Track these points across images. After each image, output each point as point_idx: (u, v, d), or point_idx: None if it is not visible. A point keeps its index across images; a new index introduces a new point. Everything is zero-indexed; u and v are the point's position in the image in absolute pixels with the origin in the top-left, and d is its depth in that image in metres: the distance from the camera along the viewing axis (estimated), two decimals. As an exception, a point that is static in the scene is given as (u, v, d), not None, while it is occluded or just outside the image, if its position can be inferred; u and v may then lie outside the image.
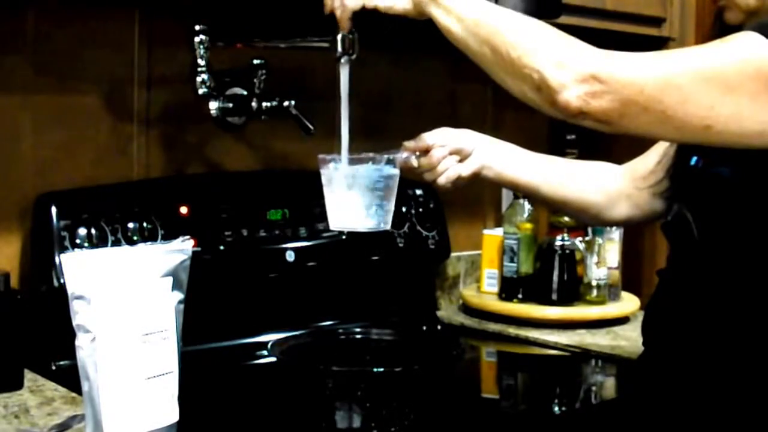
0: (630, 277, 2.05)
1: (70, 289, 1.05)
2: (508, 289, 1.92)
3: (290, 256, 1.68)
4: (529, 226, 1.90)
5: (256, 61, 1.66)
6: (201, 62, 1.59)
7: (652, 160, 1.45)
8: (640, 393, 1.34)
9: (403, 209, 1.83)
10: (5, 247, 1.51)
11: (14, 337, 1.32)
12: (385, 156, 1.32)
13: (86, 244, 1.46)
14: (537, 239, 1.92)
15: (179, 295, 1.12)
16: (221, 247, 1.60)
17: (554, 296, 1.90)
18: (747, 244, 1.22)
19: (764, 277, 1.20)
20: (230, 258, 1.62)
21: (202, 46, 1.59)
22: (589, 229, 1.91)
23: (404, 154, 1.38)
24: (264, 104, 1.64)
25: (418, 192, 1.87)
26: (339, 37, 1.33)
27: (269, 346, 1.51)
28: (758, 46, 1.08)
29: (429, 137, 1.42)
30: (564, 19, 1.67)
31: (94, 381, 1.05)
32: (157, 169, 1.66)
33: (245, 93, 1.67)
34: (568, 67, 1.10)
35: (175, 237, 1.15)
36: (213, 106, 1.67)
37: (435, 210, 1.89)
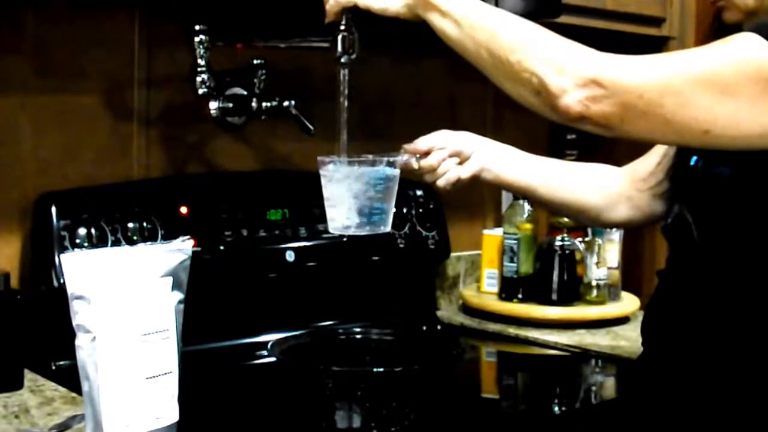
0: (630, 277, 2.05)
1: (70, 289, 1.05)
2: (508, 289, 1.92)
3: (290, 256, 1.68)
4: (528, 226, 1.90)
5: (256, 61, 1.66)
6: (201, 62, 1.59)
7: (653, 161, 1.45)
8: (639, 393, 1.34)
9: (404, 210, 1.83)
10: (5, 247, 1.51)
11: (14, 337, 1.32)
12: (385, 158, 1.32)
13: (86, 244, 1.46)
14: (537, 239, 1.92)
15: (179, 295, 1.12)
16: (221, 247, 1.60)
17: (554, 296, 1.90)
18: (747, 244, 1.22)
19: (764, 278, 1.20)
20: (230, 258, 1.62)
21: (202, 46, 1.59)
22: (589, 230, 1.91)
23: (404, 157, 1.38)
24: (264, 104, 1.64)
25: (419, 192, 1.87)
26: (339, 37, 1.32)
27: (269, 346, 1.51)
28: (757, 47, 1.08)
29: (428, 139, 1.42)
30: (564, 19, 1.67)
31: (94, 381, 1.05)
32: (157, 169, 1.66)
33: (245, 93, 1.67)
34: (568, 72, 1.09)
35: (175, 237, 1.15)
36: (213, 106, 1.67)
37: (435, 210, 1.89)
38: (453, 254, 1.98)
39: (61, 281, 1.41)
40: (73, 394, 1.30)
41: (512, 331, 1.83)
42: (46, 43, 1.53)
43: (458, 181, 1.42)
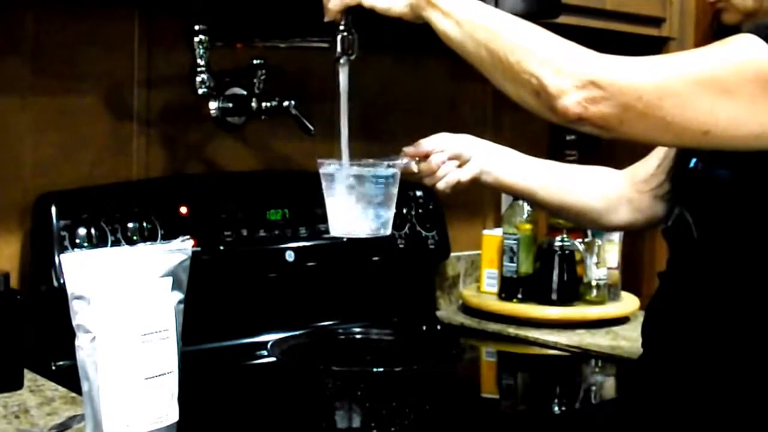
0: (630, 278, 2.05)
1: (70, 289, 1.05)
2: (508, 289, 1.92)
3: (290, 256, 1.68)
4: (528, 226, 1.90)
5: (255, 61, 1.66)
6: (201, 62, 1.59)
7: (653, 163, 1.45)
8: (639, 394, 1.34)
9: (404, 210, 1.83)
10: (5, 247, 1.51)
11: (14, 337, 1.32)
12: (385, 161, 1.32)
13: (86, 244, 1.46)
14: (536, 239, 1.92)
15: (179, 295, 1.12)
16: (221, 247, 1.61)
17: (554, 296, 1.90)
18: (747, 246, 1.22)
19: (764, 279, 1.20)
20: (230, 258, 1.62)
21: (201, 46, 1.59)
22: (589, 230, 1.91)
23: (404, 160, 1.39)
24: (264, 104, 1.65)
25: (418, 193, 1.87)
26: (338, 37, 1.32)
27: (269, 346, 1.51)
28: (756, 48, 1.08)
29: (428, 142, 1.42)
30: (564, 19, 1.67)
31: (93, 381, 1.05)
32: (157, 169, 1.66)
33: (245, 93, 1.67)
34: (566, 73, 1.09)
35: (175, 237, 1.15)
36: (213, 106, 1.67)
37: (435, 210, 1.89)
38: (453, 254, 1.98)
39: (61, 281, 1.41)
40: (73, 394, 1.30)
41: (512, 331, 1.83)
42: (46, 43, 1.53)
43: (458, 184, 1.42)
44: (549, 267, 1.91)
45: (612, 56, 1.11)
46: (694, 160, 1.28)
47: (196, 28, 1.58)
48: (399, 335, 1.65)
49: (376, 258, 1.80)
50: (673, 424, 1.25)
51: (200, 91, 1.60)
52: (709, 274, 1.26)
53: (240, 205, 1.65)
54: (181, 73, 1.63)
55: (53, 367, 1.44)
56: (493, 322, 1.88)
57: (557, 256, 1.90)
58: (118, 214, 1.52)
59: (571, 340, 1.76)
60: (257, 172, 1.78)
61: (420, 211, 1.86)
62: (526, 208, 1.90)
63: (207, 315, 1.53)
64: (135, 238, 1.51)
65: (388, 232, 1.33)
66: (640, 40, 2.00)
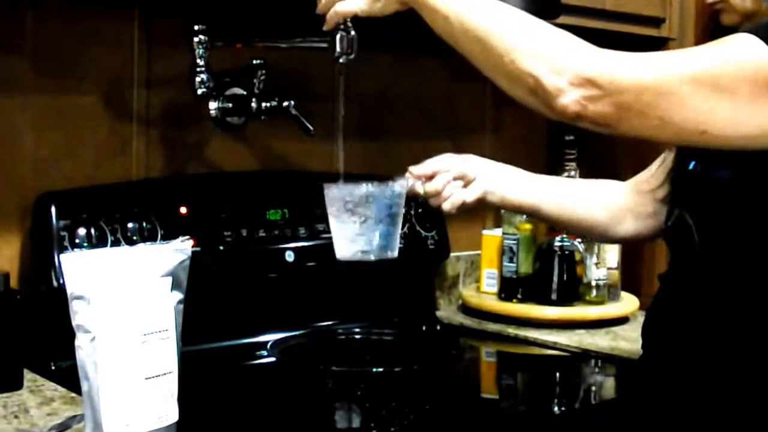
0: (629, 278, 2.05)
1: (70, 289, 1.05)
2: (508, 289, 1.92)
3: (290, 256, 1.68)
4: (528, 226, 1.90)
5: (255, 61, 1.66)
6: (200, 62, 1.59)
7: (653, 166, 1.46)
8: (639, 395, 1.34)
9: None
10: (5, 247, 1.51)
11: (14, 337, 1.32)
12: (391, 183, 1.32)
13: (86, 244, 1.46)
14: (536, 240, 1.92)
15: (179, 295, 1.12)
16: (221, 247, 1.61)
17: (554, 296, 1.90)
18: (747, 247, 1.21)
19: (765, 281, 1.20)
20: (230, 258, 1.62)
21: (201, 46, 1.59)
22: (588, 231, 1.91)
23: (410, 181, 1.39)
24: (263, 104, 1.65)
25: (418, 192, 1.87)
26: (338, 37, 1.33)
27: (269, 346, 1.51)
28: (755, 48, 1.07)
29: (433, 163, 1.42)
30: (563, 19, 1.67)
31: (93, 381, 1.05)
32: (157, 169, 1.66)
33: (245, 93, 1.67)
34: (564, 71, 1.08)
35: (175, 237, 1.15)
36: (212, 106, 1.68)
37: (434, 211, 1.89)
38: (452, 254, 1.98)
39: (61, 281, 1.40)
40: (73, 394, 1.30)
41: (511, 331, 1.83)
42: (46, 43, 1.53)
43: (463, 204, 1.42)
44: (549, 267, 1.91)
45: (609, 51, 1.10)
46: (692, 162, 1.28)
47: (196, 28, 1.58)
48: (399, 335, 1.65)
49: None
50: (673, 425, 1.25)
51: (200, 91, 1.60)
52: (709, 276, 1.25)
53: (240, 205, 1.65)
54: (181, 73, 1.63)
55: (53, 367, 1.44)
56: (492, 322, 1.88)
57: (557, 257, 1.90)
58: (118, 214, 1.52)
59: (571, 341, 1.76)
60: (257, 172, 1.78)
61: (420, 210, 1.86)
62: (526, 208, 1.90)
63: (207, 315, 1.53)
64: (135, 238, 1.51)
65: (395, 254, 1.33)
66: (639, 41, 2.00)
